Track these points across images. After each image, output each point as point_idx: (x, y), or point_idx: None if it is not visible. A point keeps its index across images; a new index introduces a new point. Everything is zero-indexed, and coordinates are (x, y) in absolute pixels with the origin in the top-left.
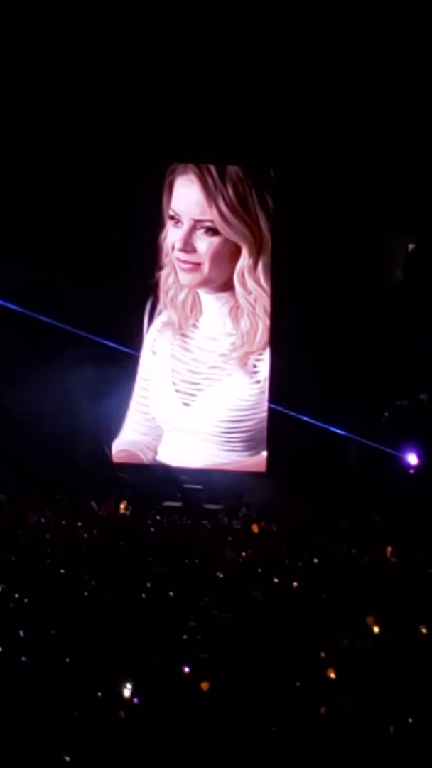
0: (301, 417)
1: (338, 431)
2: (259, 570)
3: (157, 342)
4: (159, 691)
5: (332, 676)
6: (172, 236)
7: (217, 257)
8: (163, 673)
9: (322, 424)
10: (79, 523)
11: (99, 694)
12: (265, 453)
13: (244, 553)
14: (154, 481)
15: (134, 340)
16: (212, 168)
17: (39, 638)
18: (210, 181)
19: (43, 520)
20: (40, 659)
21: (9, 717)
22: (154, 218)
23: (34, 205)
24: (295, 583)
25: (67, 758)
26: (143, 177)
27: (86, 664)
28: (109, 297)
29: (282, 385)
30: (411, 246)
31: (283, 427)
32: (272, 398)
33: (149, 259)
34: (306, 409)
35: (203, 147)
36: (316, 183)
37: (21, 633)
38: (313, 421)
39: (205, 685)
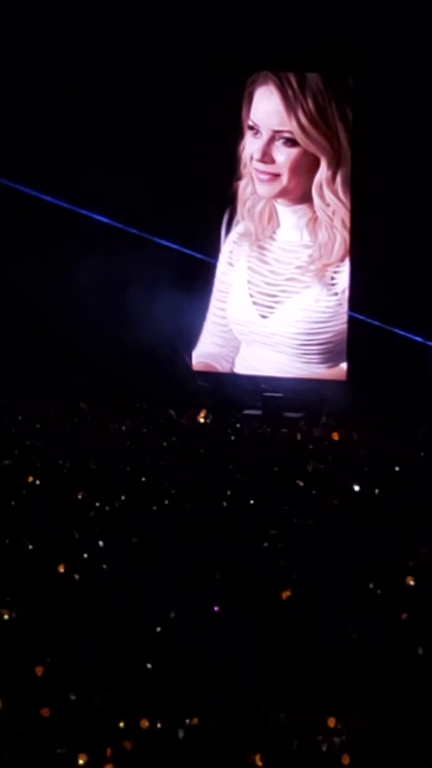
0: (382, 326)
1: (419, 339)
2: (340, 478)
3: (233, 254)
4: (239, 600)
5: (411, 583)
6: (250, 146)
7: (295, 168)
8: (244, 580)
9: (403, 333)
10: (159, 432)
11: (179, 602)
12: (344, 365)
13: (323, 462)
14: (233, 389)
15: (212, 251)
16: (292, 78)
17: (119, 546)
18: (290, 92)
19: (123, 428)
20: (121, 567)
21: (92, 625)
22: (233, 129)
23: (115, 113)
24: (376, 491)
25: (149, 665)
26: (223, 87)
27: (167, 572)
28: (187, 207)
29: (362, 297)
30: None
31: (363, 338)
32: (352, 309)
33: (228, 169)
34: (387, 319)
35: (282, 54)
36: (397, 93)
37: (101, 543)
38: (394, 329)
39: (285, 594)
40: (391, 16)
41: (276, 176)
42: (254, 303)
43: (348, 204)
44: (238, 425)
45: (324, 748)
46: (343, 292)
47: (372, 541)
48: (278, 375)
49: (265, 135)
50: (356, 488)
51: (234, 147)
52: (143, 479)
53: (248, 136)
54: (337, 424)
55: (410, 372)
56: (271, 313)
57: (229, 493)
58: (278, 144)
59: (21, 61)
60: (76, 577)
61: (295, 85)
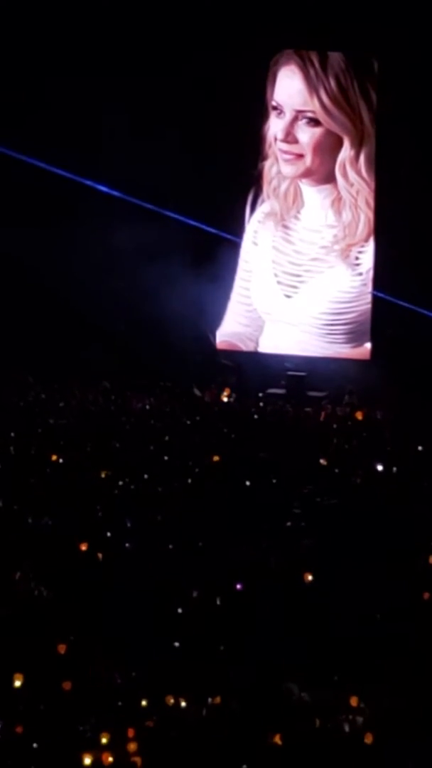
0: (407, 305)
1: None
2: (363, 457)
3: (258, 233)
4: (262, 578)
5: None
6: (274, 127)
7: (318, 148)
8: (267, 559)
9: (427, 312)
10: (183, 410)
11: (202, 580)
12: (368, 345)
13: (347, 441)
14: (257, 368)
15: (236, 230)
16: (315, 58)
17: (144, 525)
18: (312, 72)
19: (147, 406)
20: (146, 546)
21: (115, 603)
22: (258, 109)
23: (141, 95)
24: (398, 470)
25: (177, 644)
26: (248, 67)
27: (192, 549)
28: (212, 187)
29: (386, 276)
30: None
31: (388, 317)
32: (377, 289)
33: (253, 149)
34: (411, 299)
35: (306, 33)
36: (421, 73)
37: (128, 523)
38: (419, 309)
39: (308, 576)
40: None
41: (299, 156)
42: (279, 283)
43: (372, 184)
44: (261, 404)
45: (347, 728)
46: (367, 272)
47: (394, 520)
48: (302, 354)
49: (288, 115)
50: (379, 467)
51: (259, 127)
52: (166, 458)
53: (272, 116)
54: (361, 404)
55: None
56: (296, 292)
57: (252, 471)
58: (301, 124)
59: (43, 33)
60: (100, 555)
61: (317, 64)
